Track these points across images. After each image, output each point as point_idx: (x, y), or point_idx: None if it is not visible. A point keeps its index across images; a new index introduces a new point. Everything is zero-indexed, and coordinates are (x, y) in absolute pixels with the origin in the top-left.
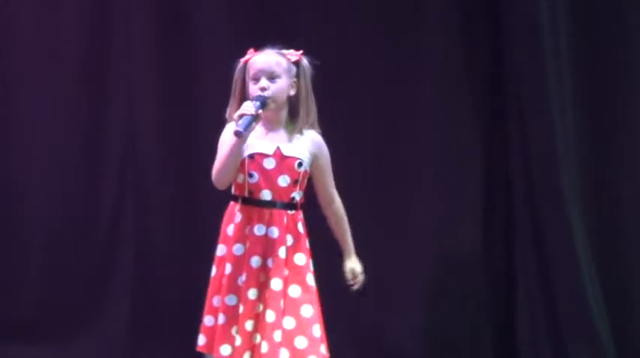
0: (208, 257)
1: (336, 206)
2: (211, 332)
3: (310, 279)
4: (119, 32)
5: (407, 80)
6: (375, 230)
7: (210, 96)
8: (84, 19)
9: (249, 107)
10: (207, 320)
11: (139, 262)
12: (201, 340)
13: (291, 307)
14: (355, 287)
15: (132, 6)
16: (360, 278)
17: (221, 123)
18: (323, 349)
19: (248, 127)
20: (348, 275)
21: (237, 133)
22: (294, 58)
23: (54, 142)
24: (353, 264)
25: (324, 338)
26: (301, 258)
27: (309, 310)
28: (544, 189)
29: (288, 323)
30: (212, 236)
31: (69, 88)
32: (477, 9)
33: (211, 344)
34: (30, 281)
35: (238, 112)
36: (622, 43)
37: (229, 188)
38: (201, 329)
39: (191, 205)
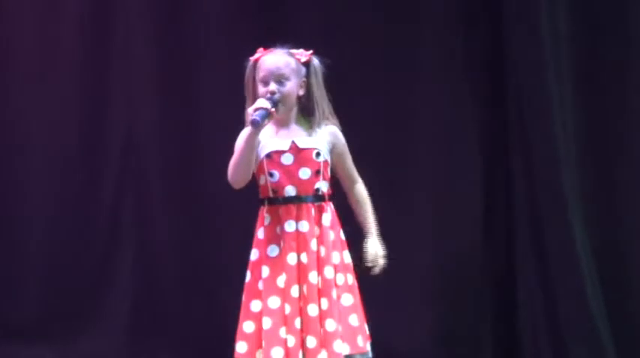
0: (208, 256)
1: (359, 186)
2: (253, 338)
3: (328, 272)
4: (119, 32)
5: (406, 79)
6: None
7: (210, 95)
8: (84, 18)
9: (264, 102)
10: (247, 326)
11: (139, 262)
12: (242, 347)
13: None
14: (376, 271)
15: (132, 6)
16: (381, 262)
17: (221, 123)
18: (336, 346)
19: (264, 119)
20: (370, 256)
21: (253, 122)
22: (303, 59)
23: (54, 142)
24: (376, 246)
25: (338, 334)
26: (322, 251)
27: (325, 303)
28: (544, 189)
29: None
30: (212, 235)
31: (69, 87)
32: (477, 8)
33: (254, 351)
34: (30, 281)
35: (253, 106)
36: (622, 43)
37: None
38: (240, 336)
39: (191, 204)
